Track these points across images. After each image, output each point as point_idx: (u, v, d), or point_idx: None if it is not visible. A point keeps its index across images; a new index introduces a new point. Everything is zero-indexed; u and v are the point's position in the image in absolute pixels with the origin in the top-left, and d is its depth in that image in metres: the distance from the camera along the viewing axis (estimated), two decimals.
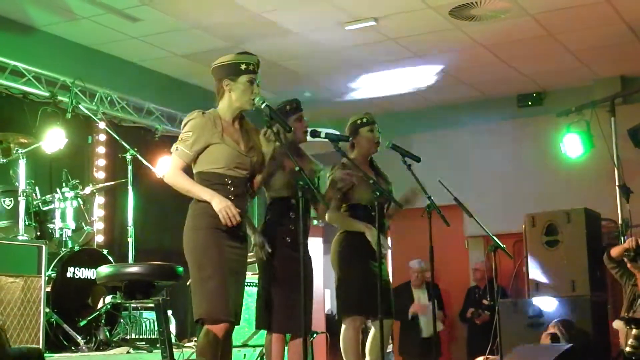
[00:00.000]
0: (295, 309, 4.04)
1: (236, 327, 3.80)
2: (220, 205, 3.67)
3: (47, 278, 4.93)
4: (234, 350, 3.99)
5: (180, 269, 3.92)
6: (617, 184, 6.86)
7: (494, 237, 5.08)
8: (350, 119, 5.07)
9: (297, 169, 3.84)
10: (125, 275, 3.84)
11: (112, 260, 5.65)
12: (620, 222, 6.81)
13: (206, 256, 3.69)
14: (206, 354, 3.66)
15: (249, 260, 4.04)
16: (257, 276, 5.49)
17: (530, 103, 8.84)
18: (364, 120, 5.01)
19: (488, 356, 5.75)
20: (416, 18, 6.84)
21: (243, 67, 3.84)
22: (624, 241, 5.82)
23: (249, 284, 4.76)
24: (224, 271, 3.69)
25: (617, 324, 5.45)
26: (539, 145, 8.51)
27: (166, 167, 3.82)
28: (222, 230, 3.72)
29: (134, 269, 3.91)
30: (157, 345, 4.53)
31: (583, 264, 6.30)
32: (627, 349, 5.15)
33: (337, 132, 4.74)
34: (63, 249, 5.52)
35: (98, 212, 6.68)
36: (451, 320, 8.79)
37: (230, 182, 3.78)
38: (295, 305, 4.04)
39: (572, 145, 7.43)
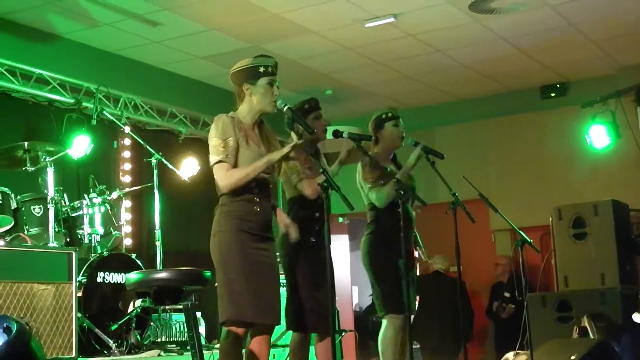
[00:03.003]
0: (322, 308, 4.07)
1: None
2: (280, 153, 3.77)
3: (77, 284, 4.99)
4: None
5: (208, 273, 3.95)
6: None
7: (521, 232, 5.05)
8: (374, 114, 5.09)
9: (320, 170, 3.86)
10: (153, 281, 3.88)
11: (140, 265, 5.71)
12: None
13: (230, 259, 3.71)
14: (229, 356, 3.69)
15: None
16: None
17: (553, 94, 8.77)
18: (389, 114, 5.03)
19: (518, 351, 5.72)
20: (435, 13, 6.82)
21: (261, 69, 3.85)
22: None
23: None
24: (249, 274, 3.71)
25: (638, 317, 5.36)
26: (564, 137, 8.44)
27: (218, 180, 3.77)
28: (247, 232, 3.73)
29: (162, 275, 3.95)
30: (188, 347, 4.58)
31: (612, 256, 6.21)
32: None
33: (359, 132, 4.75)
34: (92, 255, 5.59)
35: (125, 216, 6.75)
36: (479, 316, 8.76)
37: (254, 185, 3.79)
38: (322, 305, 4.07)
39: (598, 136, 7.34)
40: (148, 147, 6.13)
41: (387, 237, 4.76)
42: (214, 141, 3.77)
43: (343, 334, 6.32)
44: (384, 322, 4.77)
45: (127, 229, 6.88)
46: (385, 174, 4.77)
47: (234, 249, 3.71)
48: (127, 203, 6.92)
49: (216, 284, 3.78)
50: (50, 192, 5.35)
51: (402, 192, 4.39)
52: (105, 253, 5.62)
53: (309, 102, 4.56)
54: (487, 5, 6.66)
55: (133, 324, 5.49)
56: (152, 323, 5.74)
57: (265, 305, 3.73)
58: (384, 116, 5.02)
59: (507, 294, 8.13)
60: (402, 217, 4.40)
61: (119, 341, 5.38)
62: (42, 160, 5.53)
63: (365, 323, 8.80)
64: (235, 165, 3.75)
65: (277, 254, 4.46)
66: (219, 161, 3.74)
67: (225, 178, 3.74)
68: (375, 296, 4.86)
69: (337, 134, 4.48)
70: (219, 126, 3.78)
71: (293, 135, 4.29)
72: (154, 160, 6.06)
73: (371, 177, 4.85)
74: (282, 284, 5.71)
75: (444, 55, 7.84)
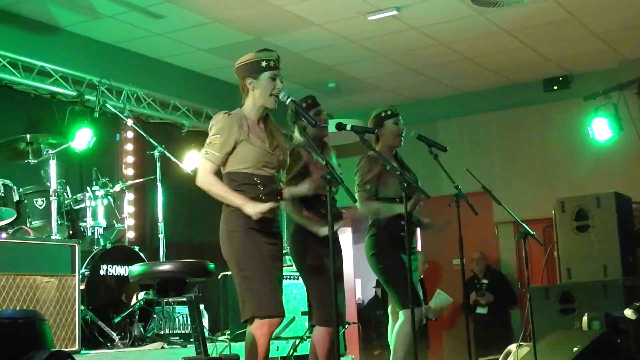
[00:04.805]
0: (329, 300, 4.08)
1: None
2: (254, 210, 3.68)
3: (80, 276, 4.99)
4: None
5: (212, 265, 3.96)
6: None
7: (524, 224, 5.05)
8: (374, 111, 5.07)
9: (324, 163, 3.85)
10: (157, 273, 3.88)
11: (143, 257, 5.71)
12: None
13: (245, 256, 3.73)
14: (255, 351, 3.70)
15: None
16: (289, 268, 5.54)
17: (556, 87, 8.76)
18: (389, 112, 4.99)
19: (521, 343, 5.73)
20: (439, 6, 6.80)
21: (264, 64, 3.85)
22: None
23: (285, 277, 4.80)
24: (265, 268, 3.73)
25: (629, 312, 5.33)
26: (567, 130, 8.43)
27: (198, 172, 3.84)
28: (256, 229, 3.74)
29: (166, 267, 3.95)
30: (191, 339, 4.59)
31: (615, 249, 6.23)
32: None
33: (363, 125, 4.74)
34: (95, 247, 5.59)
35: (128, 209, 6.74)
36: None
37: (259, 181, 3.79)
38: (329, 297, 4.08)
39: (600, 128, 7.36)
40: (151, 139, 6.13)
41: (390, 235, 4.75)
42: (208, 137, 3.84)
43: (346, 326, 6.33)
44: (401, 317, 4.74)
45: (130, 221, 6.88)
46: (385, 170, 4.75)
47: (247, 246, 3.73)
48: (130, 196, 6.92)
49: (220, 276, 3.80)
50: (53, 184, 5.34)
51: (404, 185, 4.38)
52: (108, 245, 5.62)
53: (307, 99, 4.56)
54: None
55: (136, 317, 5.49)
56: (155, 315, 5.74)
57: (278, 299, 3.76)
58: (383, 114, 4.99)
59: (485, 281, 8.18)
60: (405, 212, 4.38)
61: (123, 333, 5.38)
62: (44, 152, 5.53)
63: (368, 315, 8.82)
64: (224, 161, 3.78)
65: (288, 248, 4.49)
66: (205, 158, 3.79)
67: (205, 179, 3.79)
68: (391, 295, 4.83)
69: (340, 127, 4.47)
70: (215, 124, 3.83)
71: (297, 133, 4.32)
72: (156, 153, 6.06)
73: (364, 177, 4.82)
74: (294, 277, 5.77)
75: (447, 48, 7.82)
